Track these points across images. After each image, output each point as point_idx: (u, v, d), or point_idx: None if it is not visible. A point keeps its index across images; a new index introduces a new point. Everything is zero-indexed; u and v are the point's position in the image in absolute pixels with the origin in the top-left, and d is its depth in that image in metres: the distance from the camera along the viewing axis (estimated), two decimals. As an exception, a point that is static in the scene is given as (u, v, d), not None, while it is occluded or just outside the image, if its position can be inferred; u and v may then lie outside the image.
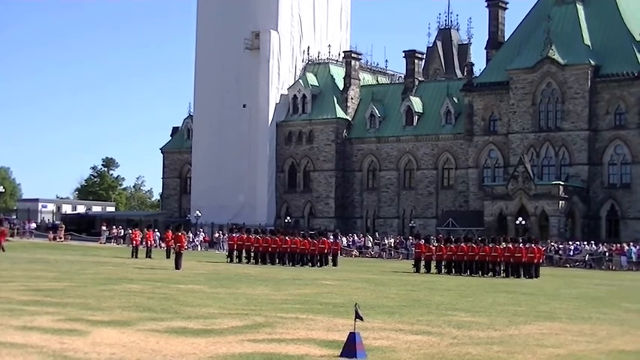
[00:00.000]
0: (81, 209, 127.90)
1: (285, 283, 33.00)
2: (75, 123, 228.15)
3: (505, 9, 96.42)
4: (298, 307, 22.58)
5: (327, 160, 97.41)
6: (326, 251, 52.66)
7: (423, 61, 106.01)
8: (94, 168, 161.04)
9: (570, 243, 74.02)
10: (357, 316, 14.43)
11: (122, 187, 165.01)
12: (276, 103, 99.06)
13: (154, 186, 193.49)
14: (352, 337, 14.05)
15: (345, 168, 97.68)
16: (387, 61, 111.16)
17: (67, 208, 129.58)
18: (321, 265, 51.07)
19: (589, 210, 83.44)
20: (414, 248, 56.08)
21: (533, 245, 47.83)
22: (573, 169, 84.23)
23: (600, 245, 72.52)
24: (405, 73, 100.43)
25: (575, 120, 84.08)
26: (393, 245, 78.67)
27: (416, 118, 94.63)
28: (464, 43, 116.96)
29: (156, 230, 69.58)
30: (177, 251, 41.81)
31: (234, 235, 53.29)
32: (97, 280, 30.14)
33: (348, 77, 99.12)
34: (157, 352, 13.96)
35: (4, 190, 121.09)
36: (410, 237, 76.83)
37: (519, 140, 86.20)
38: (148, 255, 52.90)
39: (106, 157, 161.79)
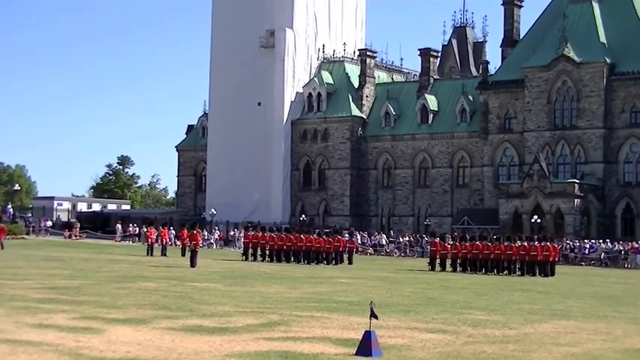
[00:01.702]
0: (96, 207, 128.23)
1: (301, 282, 33.03)
2: (90, 121, 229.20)
3: (520, 7, 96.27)
4: (313, 306, 22.59)
5: (342, 158, 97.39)
6: (341, 249, 52.69)
7: (438, 59, 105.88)
8: (109, 166, 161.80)
9: (586, 241, 73.89)
10: (373, 315, 14.42)
11: (137, 185, 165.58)
12: (291, 101, 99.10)
13: (169, 184, 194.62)
14: (367, 335, 14.04)
15: (360, 166, 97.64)
16: (402, 59, 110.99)
17: (82, 206, 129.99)
18: (336, 264, 51.07)
19: (604, 208, 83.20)
20: (429, 246, 56.06)
21: (548, 243, 47.75)
22: (589, 167, 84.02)
23: (616, 243, 72.34)
24: (420, 71, 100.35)
25: (590, 118, 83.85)
26: (408, 243, 78.60)
27: (431, 116, 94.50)
28: (479, 41, 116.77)
29: (171, 228, 69.72)
30: (192, 249, 41.90)
31: (249, 233, 53.34)
32: (112, 278, 30.22)
33: (363, 75, 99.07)
34: (172, 350, 13.99)
35: (19, 188, 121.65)
36: (425, 235, 76.76)
37: (535, 138, 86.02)
38: (163, 253, 53.02)
39: (122, 155, 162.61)
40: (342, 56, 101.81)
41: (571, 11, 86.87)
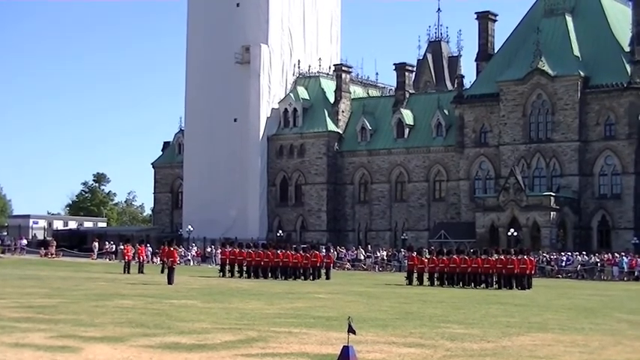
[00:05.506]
0: (72, 225, 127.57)
1: (278, 297, 32.96)
2: (65, 138, 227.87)
3: (495, 21, 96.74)
4: (291, 321, 22.56)
5: (319, 173, 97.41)
6: (318, 264, 52.64)
7: (414, 73, 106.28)
8: (85, 184, 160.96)
9: (562, 254, 74.08)
10: (350, 330, 14.42)
11: (113, 202, 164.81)
12: (267, 117, 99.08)
13: (146, 201, 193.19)
14: (345, 350, 14.02)
15: (336, 181, 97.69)
16: (377, 73, 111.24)
17: (58, 224, 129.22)
18: (313, 279, 51.00)
19: (580, 221, 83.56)
20: (406, 261, 56.03)
21: (525, 256, 47.82)
22: (564, 180, 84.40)
23: (592, 256, 72.54)
24: (395, 85, 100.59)
25: (565, 131, 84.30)
26: (385, 258, 78.58)
27: (407, 130, 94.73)
28: (454, 55, 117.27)
29: (148, 245, 69.45)
30: (169, 266, 41.76)
31: (226, 249, 53.25)
32: (89, 296, 30.07)
33: (338, 90, 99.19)
34: (150, 368, 13.94)
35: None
36: (402, 249, 76.75)
37: (510, 152, 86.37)
38: (140, 270, 52.84)
39: (97, 173, 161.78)
40: (318, 71, 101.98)
41: (545, 25, 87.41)
